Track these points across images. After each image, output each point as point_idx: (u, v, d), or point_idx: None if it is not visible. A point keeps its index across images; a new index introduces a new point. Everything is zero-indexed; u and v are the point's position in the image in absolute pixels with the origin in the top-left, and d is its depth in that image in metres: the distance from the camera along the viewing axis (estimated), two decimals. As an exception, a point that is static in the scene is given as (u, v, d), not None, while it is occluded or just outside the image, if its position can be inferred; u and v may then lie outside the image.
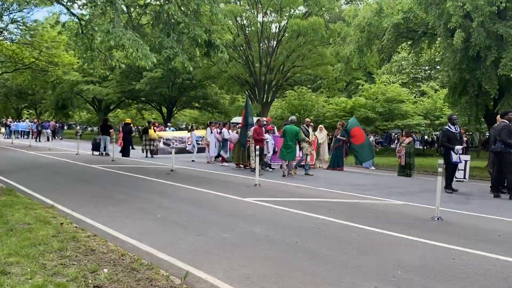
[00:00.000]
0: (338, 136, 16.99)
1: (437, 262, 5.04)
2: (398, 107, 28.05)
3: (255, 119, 15.35)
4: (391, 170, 18.78)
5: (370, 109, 28.29)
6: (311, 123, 15.58)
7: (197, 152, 19.84)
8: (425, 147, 37.81)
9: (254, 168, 13.41)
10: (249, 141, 15.03)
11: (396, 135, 48.87)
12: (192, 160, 18.39)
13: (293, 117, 14.08)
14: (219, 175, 13.48)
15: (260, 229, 6.21)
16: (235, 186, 10.66)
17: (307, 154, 14.56)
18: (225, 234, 5.84)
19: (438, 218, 7.40)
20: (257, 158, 11.42)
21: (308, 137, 14.78)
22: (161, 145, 20.61)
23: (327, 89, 32.25)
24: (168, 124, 29.65)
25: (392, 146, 42.47)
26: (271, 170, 15.18)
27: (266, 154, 14.96)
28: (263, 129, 14.34)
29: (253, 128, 14.19)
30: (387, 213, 7.89)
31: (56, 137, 40.11)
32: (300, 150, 15.01)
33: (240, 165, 15.87)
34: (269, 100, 30.94)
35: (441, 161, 8.37)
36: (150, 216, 6.82)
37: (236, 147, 15.84)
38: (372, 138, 20.00)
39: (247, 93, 31.95)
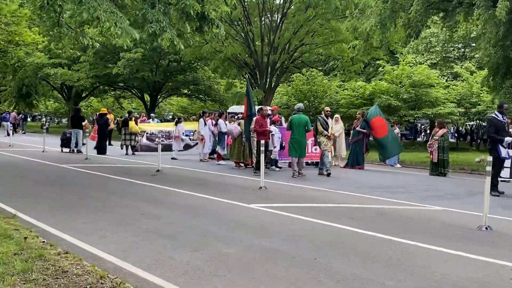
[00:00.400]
0: (357, 128, 16.84)
1: (490, 283, 4.84)
2: (426, 92, 27.95)
3: (257, 107, 15.21)
4: (420, 168, 18.78)
5: (393, 96, 28.23)
6: (329, 112, 15.24)
7: (181, 150, 19.69)
8: (458, 140, 37.68)
9: (257, 168, 13.29)
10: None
11: (423, 126, 48.92)
12: (172, 158, 18.38)
13: (300, 105, 13.95)
14: (216, 176, 13.47)
15: (270, 243, 6.07)
16: (236, 190, 10.67)
17: (326, 150, 14.29)
18: (228, 249, 5.71)
19: (486, 228, 7.23)
20: (262, 155, 11.20)
21: (327, 130, 14.52)
22: (144, 140, 20.61)
23: (341, 72, 32.10)
24: (152, 114, 29.47)
25: (418, 139, 42.49)
26: (277, 169, 15.09)
27: (271, 150, 14.86)
28: (268, 120, 14.18)
29: (255, 118, 14.12)
30: (423, 222, 7.78)
31: (18, 131, 39.99)
32: (315, 145, 14.83)
33: (240, 164, 15.80)
34: (272, 86, 30.76)
35: (482, 157, 8.17)
36: (134, 227, 6.73)
37: (236, 142, 15.79)
38: (397, 130, 19.86)
39: (246, 77, 31.72)
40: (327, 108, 15.56)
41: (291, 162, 13.66)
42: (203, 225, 6.96)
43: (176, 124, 19.96)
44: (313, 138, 15.94)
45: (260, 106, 14.88)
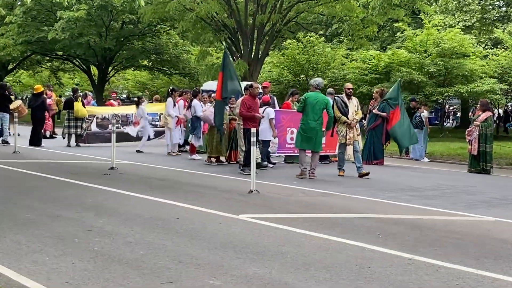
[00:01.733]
0: (374, 111, 16.66)
1: None
2: (459, 64, 27.93)
3: (244, 84, 14.86)
4: (454, 162, 18.97)
5: (415, 69, 28.15)
6: (351, 91, 14.46)
7: (151, 138, 19.51)
8: (498, 126, 37.81)
9: (245, 165, 13.16)
10: (234, 121, 14.97)
11: (452, 108, 49.08)
12: (138, 151, 18.44)
13: (319, 80, 13.57)
14: (190, 175, 13.45)
15: (270, 271, 5.88)
16: (218, 195, 10.63)
17: (345, 143, 13.91)
18: (213, 281, 5.52)
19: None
20: (253, 148, 11.01)
21: (347, 115, 13.87)
22: (93, 127, 20.39)
23: (349, 38, 31.83)
24: (90, 93, 28.45)
25: (447, 124, 42.56)
26: (271, 166, 14.91)
27: (268, 141, 14.80)
28: (258, 100, 13.90)
29: (240, 99, 13.88)
30: (473, 238, 7.66)
31: None
32: (331, 135, 14.31)
33: (221, 159, 15.84)
34: (259, 55, 30.41)
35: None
36: (81, 248, 6.59)
37: (215, 131, 15.60)
38: (425, 113, 19.71)
39: (225, 44, 31.28)
40: (349, 85, 14.62)
41: (299, 157, 13.44)
42: (176, 246, 6.78)
43: (137, 106, 19.62)
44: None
45: (249, 83, 14.42)
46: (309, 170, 13.09)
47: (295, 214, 8.86)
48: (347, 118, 13.81)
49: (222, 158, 15.79)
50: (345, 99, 14.00)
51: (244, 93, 14.15)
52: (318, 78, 13.82)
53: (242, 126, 13.77)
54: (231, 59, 15.55)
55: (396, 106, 16.23)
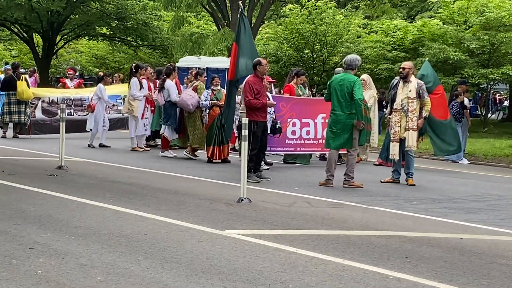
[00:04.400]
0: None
1: None
2: (508, 39, 27.92)
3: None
4: (502, 166, 19.17)
5: (452, 44, 28.16)
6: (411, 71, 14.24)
7: (110, 129, 19.53)
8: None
9: (251, 170, 13.07)
10: (218, 108, 15.44)
11: (498, 96, 49.21)
12: (89, 145, 18.62)
13: (351, 56, 13.31)
14: (163, 178, 13.57)
15: None
16: (200, 204, 10.69)
17: (392, 139, 13.79)
18: None
19: None
20: (244, 145, 11.15)
21: (393, 102, 13.82)
22: (38, 113, 20.46)
23: (367, 2, 31.87)
24: (69, 72, 27.94)
25: (491, 116, 42.66)
26: (266, 167, 14.97)
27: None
28: (265, 82, 13.94)
29: (245, 81, 13.91)
30: None
31: None
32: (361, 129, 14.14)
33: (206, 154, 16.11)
34: (252, 25, 30.34)
35: None
36: (20, 273, 6.54)
37: (193, 120, 15.81)
38: (466, 102, 19.68)
39: (209, 8, 31.23)
40: (405, 64, 14.18)
41: (328, 159, 13.39)
42: (143, 270, 6.77)
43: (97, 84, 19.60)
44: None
45: (257, 59, 13.99)
46: (344, 177, 12.98)
47: (297, 230, 8.85)
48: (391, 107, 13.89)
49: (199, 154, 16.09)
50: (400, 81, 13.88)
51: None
52: (351, 55, 13.55)
53: (245, 117, 13.26)
54: (248, 25, 15.12)
55: (435, 88, 16.02)
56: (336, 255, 7.52)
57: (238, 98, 15.46)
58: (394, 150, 13.85)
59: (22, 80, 20.06)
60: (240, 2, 16.19)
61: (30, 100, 20.25)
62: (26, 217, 8.90)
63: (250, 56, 14.09)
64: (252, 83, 13.26)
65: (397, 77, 14.40)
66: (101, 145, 18.47)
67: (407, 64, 14.29)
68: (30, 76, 23.98)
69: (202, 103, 15.84)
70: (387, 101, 17.61)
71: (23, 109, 19.94)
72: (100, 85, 19.42)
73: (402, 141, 13.61)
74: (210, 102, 15.68)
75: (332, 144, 13.02)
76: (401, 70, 13.96)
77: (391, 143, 13.97)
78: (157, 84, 18.09)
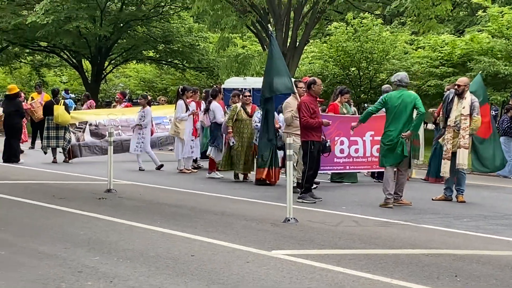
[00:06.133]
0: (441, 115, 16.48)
1: None
2: None
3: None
4: None
5: (502, 58, 27.83)
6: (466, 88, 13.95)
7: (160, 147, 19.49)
8: None
9: (306, 190, 13.03)
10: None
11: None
12: (140, 168, 18.46)
13: (401, 74, 13.19)
14: (210, 200, 13.45)
15: None
16: (247, 225, 10.66)
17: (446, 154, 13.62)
18: None
19: None
20: (290, 165, 11.03)
21: (447, 117, 13.56)
22: (87, 137, 20.42)
23: (414, 18, 31.60)
24: (119, 97, 27.76)
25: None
26: (314, 186, 14.83)
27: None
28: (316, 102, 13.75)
29: (290, 99, 13.92)
30: None
31: None
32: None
33: (247, 177, 16.08)
34: (297, 43, 30.37)
35: None
36: None
37: (242, 143, 15.86)
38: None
39: (254, 28, 31.30)
40: (461, 81, 13.90)
41: (384, 178, 13.13)
42: None
43: (143, 107, 19.25)
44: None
45: (312, 79, 13.93)
46: (394, 195, 12.81)
47: (344, 250, 8.78)
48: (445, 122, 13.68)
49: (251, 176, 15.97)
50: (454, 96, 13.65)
51: (293, 89, 14.14)
52: (400, 72, 13.42)
53: (294, 139, 13.05)
54: (277, 46, 15.27)
55: (483, 106, 15.87)
56: (384, 275, 7.45)
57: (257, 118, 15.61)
58: (445, 168, 13.59)
59: (60, 104, 20.01)
60: (269, 24, 16.26)
61: (78, 124, 20.28)
62: (75, 241, 8.94)
63: (280, 75, 14.14)
64: (308, 103, 13.07)
65: (451, 90, 14.14)
66: (140, 169, 18.37)
67: (462, 80, 14.01)
68: (84, 102, 24.20)
69: (256, 125, 15.71)
70: (434, 118, 17.44)
71: (62, 134, 19.82)
72: (147, 108, 19.34)
73: (453, 158, 13.45)
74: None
75: (387, 162, 12.85)
76: (456, 87, 13.82)
77: (442, 160, 13.74)
78: (203, 105, 18.20)
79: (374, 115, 13.57)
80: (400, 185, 12.92)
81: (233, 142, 16.06)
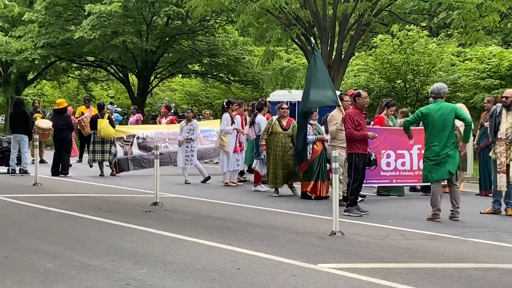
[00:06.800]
0: (486, 124, 16.28)
1: None
2: None
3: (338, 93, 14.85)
4: None
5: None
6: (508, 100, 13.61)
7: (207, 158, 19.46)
8: None
9: (351, 203, 13.01)
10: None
11: None
12: (186, 181, 18.53)
13: (438, 85, 13.02)
14: (255, 213, 13.47)
15: None
16: (292, 238, 10.61)
17: (501, 167, 13.37)
18: None
19: None
20: (336, 178, 11.00)
21: (496, 132, 13.38)
22: (135, 150, 20.53)
23: (461, 30, 31.32)
24: (110, 106, 27.52)
25: None
26: (360, 199, 14.73)
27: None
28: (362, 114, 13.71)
29: (335, 112, 13.89)
30: None
31: None
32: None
33: (293, 189, 15.94)
34: (342, 56, 30.29)
35: None
36: None
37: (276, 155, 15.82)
38: None
39: (299, 41, 31.31)
40: (508, 93, 13.68)
41: (431, 193, 12.98)
42: None
43: (187, 120, 19.22)
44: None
45: (357, 91, 13.91)
46: (451, 210, 12.62)
47: (391, 264, 8.72)
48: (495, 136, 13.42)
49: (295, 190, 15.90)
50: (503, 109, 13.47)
51: (337, 103, 14.11)
52: (437, 83, 13.20)
53: (338, 151, 12.87)
54: (320, 58, 15.16)
55: None
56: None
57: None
58: (502, 182, 13.30)
59: (105, 118, 20.05)
60: (311, 37, 16.17)
61: (125, 138, 20.41)
62: (122, 253, 9.00)
63: (322, 87, 14.11)
64: (352, 115, 13.05)
65: (498, 105, 13.97)
66: (186, 182, 18.43)
67: (510, 92, 13.81)
68: (133, 115, 24.43)
69: (308, 138, 15.60)
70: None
71: (108, 148, 19.91)
72: (194, 121, 19.40)
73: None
74: (316, 137, 15.48)
75: (433, 177, 12.61)
76: (504, 99, 13.63)
77: (497, 174, 13.51)
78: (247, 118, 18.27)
79: (420, 128, 13.44)
80: (455, 198, 12.66)
81: (264, 156, 16.14)
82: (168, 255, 8.98)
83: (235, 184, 17.98)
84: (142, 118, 27.34)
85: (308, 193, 15.33)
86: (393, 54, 30.85)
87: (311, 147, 15.45)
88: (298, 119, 14.59)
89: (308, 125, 15.24)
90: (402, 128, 14.68)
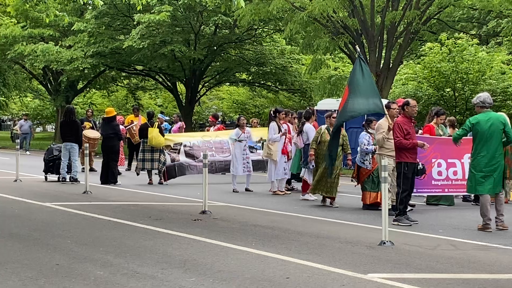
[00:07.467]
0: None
1: None
2: None
3: (384, 102, 14.68)
4: None
5: None
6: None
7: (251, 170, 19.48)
8: None
9: (400, 213, 12.91)
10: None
11: None
12: (234, 190, 18.55)
13: (483, 95, 12.85)
14: (304, 222, 13.40)
15: None
16: (342, 247, 10.60)
17: None
18: None
19: None
20: (384, 187, 10.84)
21: None
22: (181, 157, 20.60)
23: (510, 39, 31.00)
24: (160, 115, 27.64)
25: None
26: (410, 208, 14.59)
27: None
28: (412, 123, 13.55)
29: (382, 121, 13.78)
30: None
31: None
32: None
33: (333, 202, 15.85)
34: (390, 65, 30.09)
35: None
36: None
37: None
38: None
39: (346, 50, 31.21)
40: None
41: (480, 204, 12.82)
42: None
43: (239, 127, 19.11)
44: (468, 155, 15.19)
45: (406, 100, 13.74)
46: (496, 218, 12.40)
47: (442, 274, 8.65)
48: None
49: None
50: None
51: (384, 111, 13.98)
52: (483, 93, 13.00)
53: (386, 161, 12.90)
54: (366, 67, 14.92)
55: None
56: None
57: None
58: None
59: (155, 127, 20.17)
60: (357, 46, 16.00)
61: (172, 146, 20.50)
62: (172, 262, 9.04)
63: (367, 95, 14.00)
64: (401, 123, 12.94)
65: None
66: (246, 189, 18.51)
67: None
68: (174, 123, 24.55)
69: (367, 148, 15.25)
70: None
71: (157, 157, 20.01)
72: (247, 129, 19.27)
73: None
74: (375, 147, 15.22)
75: (482, 190, 12.34)
76: None
77: None
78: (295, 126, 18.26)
79: (469, 137, 13.27)
80: (499, 205, 12.46)
81: (312, 166, 16.05)
82: (217, 264, 8.99)
83: (283, 193, 17.93)
84: (184, 126, 27.41)
85: (375, 204, 14.91)
86: (442, 62, 30.56)
87: (370, 156, 15.33)
88: (333, 128, 14.42)
89: (368, 135, 15.16)
90: (451, 138, 14.56)
